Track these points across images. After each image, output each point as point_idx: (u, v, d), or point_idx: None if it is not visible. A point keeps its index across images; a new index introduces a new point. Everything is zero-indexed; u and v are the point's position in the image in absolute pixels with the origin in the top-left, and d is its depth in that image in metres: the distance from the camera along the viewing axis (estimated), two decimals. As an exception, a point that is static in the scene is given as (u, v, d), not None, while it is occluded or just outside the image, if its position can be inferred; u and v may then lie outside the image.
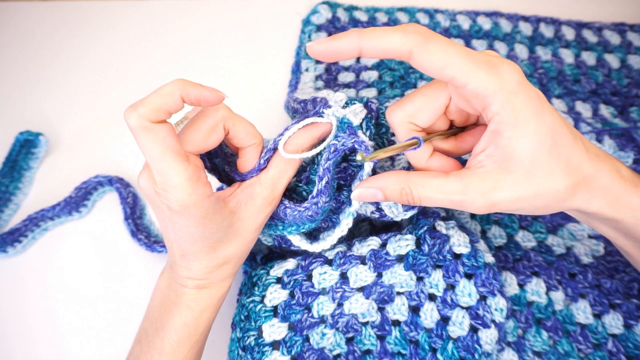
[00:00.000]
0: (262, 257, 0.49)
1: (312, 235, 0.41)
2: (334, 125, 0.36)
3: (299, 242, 0.39)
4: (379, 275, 0.40)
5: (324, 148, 0.36)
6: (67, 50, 0.67)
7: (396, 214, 0.38)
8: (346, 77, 0.60)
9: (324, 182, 0.35)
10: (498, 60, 0.30)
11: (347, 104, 0.38)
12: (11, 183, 0.56)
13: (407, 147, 0.33)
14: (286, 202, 0.38)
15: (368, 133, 0.37)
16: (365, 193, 0.34)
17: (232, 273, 0.39)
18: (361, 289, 0.40)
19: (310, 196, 0.36)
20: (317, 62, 0.62)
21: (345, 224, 0.37)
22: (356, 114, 0.37)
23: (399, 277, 0.40)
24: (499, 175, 0.31)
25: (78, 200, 0.55)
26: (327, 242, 0.38)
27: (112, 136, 0.60)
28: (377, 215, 0.39)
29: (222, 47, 0.66)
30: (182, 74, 0.64)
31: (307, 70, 0.61)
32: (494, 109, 0.29)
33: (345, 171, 0.38)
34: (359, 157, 0.32)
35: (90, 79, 0.65)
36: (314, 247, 0.39)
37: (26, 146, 0.58)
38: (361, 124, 0.37)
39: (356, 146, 0.34)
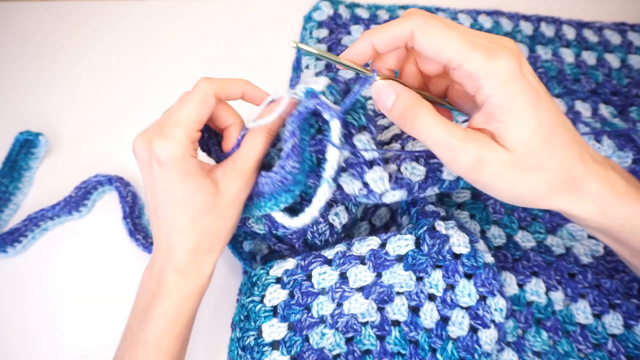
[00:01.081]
0: (262, 257, 0.49)
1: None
2: (301, 97, 0.37)
3: (281, 218, 0.40)
4: (379, 275, 0.40)
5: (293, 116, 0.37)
6: (67, 50, 0.67)
7: (382, 190, 0.38)
8: (347, 73, 0.60)
9: (289, 144, 0.36)
10: (499, 47, 0.30)
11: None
12: (11, 183, 0.56)
13: (358, 70, 0.34)
14: (261, 172, 0.39)
15: (332, 99, 0.37)
16: (383, 88, 0.33)
17: (211, 261, 0.39)
18: (361, 289, 0.40)
19: (278, 160, 0.37)
20: (317, 59, 0.62)
21: (322, 192, 0.37)
22: (318, 83, 0.37)
23: (398, 277, 0.40)
24: (496, 144, 0.31)
25: (78, 199, 0.55)
26: (306, 214, 0.39)
27: (112, 136, 0.60)
28: (364, 192, 0.38)
29: (223, 45, 0.66)
30: (182, 73, 0.64)
31: (307, 67, 0.61)
32: (486, 91, 0.30)
33: (321, 143, 0.38)
34: (291, 42, 0.33)
35: (90, 79, 0.65)
36: (295, 222, 0.39)
37: (26, 146, 0.58)
38: (324, 91, 0.37)
39: (318, 107, 0.35)
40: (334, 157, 0.37)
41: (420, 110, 0.32)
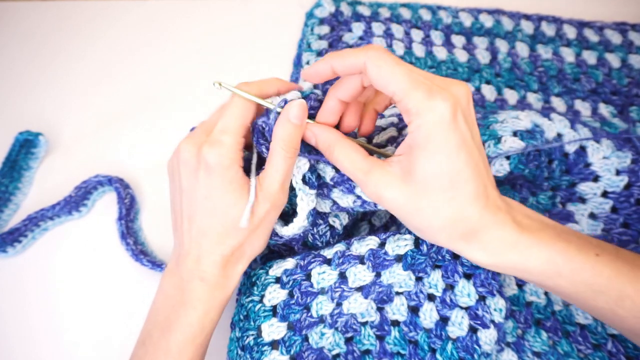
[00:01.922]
0: (262, 257, 0.49)
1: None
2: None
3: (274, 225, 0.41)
4: (378, 275, 0.39)
5: None
6: (67, 50, 0.67)
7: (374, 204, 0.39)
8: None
9: (255, 151, 0.39)
10: (440, 91, 0.32)
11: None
12: (11, 183, 0.56)
13: (263, 104, 0.38)
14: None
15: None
16: (306, 134, 0.38)
17: (237, 274, 0.40)
18: (360, 289, 0.40)
19: None
20: (318, 54, 0.62)
21: (299, 200, 0.39)
22: (292, 99, 0.39)
23: (397, 277, 0.40)
24: (396, 179, 0.34)
25: (78, 199, 0.55)
26: (295, 224, 0.40)
27: (112, 136, 0.60)
28: (358, 203, 0.39)
29: (225, 41, 0.66)
30: (183, 73, 0.64)
31: (307, 63, 0.62)
32: (412, 127, 0.32)
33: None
34: (216, 84, 0.38)
35: (90, 79, 0.65)
36: (285, 231, 0.40)
37: (26, 146, 0.58)
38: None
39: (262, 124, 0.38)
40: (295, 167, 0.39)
41: (335, 148, 0.36)
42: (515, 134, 0.42)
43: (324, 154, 0.38)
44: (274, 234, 0.41)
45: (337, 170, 0.39)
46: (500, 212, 0.34)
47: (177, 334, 0.37)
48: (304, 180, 0.39)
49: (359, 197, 0.39)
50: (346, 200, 0.40)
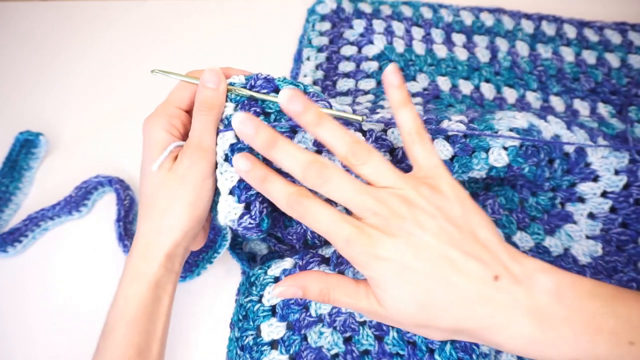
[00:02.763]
0: (261, 257, 0.49)
1: None
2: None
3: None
4: None
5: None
6: (67, 50, 0.67)
7: None
8: (346, 66, 0.61)
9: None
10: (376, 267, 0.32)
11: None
12: (11, 183, 0.56)
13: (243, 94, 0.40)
14: None
15: (233, 95, 0.41)
16: (287, 291, 0.35)
17: (161, 245, 0.38)
18: (358, 287, 0.40)
19: None
20: (319, 50, 0.62)
21: (217, 173, 0.39)
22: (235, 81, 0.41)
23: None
24: (378, 307, 0.33)
25: (78, 199, 0.55)
26: (220, 204, 0.38)
27: (112, 136, 0.60)
28: None
29: (226, 38, 0.66)
30: (183, 71, 0.64)
31: (308, 59, 0.62)
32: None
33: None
34: (155, 71, 0.42)
35: (90, 79, 0.65)
36: (219, 217, 0.39)
37: (26, 146, 0.58)
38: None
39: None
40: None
41: (331, 290, 0.35)
42: (511, 130, 0.42)
43: (318, 301, 0.36)
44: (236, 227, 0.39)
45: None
46: (502, 311, 0.30)
47: (111, 310, 0.38)
48: (226, 157, 0.38)
49: None
50: None
